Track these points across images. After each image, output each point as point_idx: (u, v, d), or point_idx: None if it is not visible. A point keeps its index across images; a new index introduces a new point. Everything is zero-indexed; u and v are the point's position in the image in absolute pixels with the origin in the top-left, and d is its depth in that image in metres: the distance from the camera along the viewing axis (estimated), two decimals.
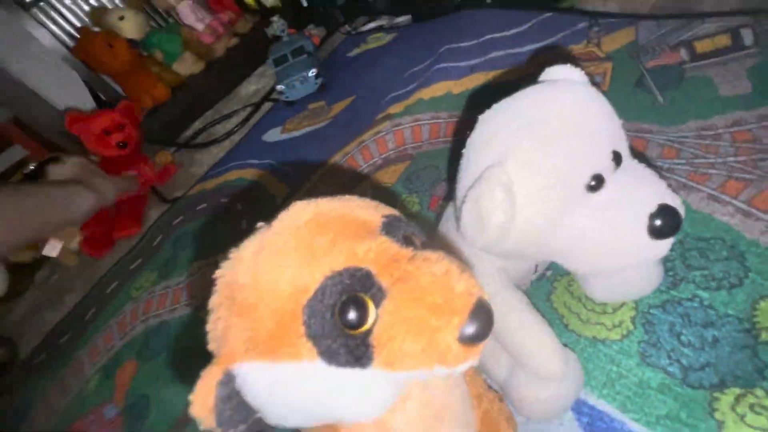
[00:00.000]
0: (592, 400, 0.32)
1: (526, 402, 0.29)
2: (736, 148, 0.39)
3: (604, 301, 0.35)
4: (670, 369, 0.30)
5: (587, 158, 0.24)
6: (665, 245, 0.24)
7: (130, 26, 1.04)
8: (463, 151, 0.28)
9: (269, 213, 0.71)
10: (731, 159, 0.39)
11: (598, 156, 0.24)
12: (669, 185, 0.25)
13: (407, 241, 0.17)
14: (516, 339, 0.28)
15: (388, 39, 0.86)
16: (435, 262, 0.16)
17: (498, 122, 0.26)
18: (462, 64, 0.64)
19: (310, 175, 0.67)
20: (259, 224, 0.18)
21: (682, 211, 0.23)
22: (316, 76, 0.83)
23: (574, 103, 0.25)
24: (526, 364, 0.28)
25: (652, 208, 0.23)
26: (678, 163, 0.41)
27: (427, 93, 0.65)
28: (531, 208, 0.24)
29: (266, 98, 0.95)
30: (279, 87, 0.83)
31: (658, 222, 0.23)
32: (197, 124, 1.07)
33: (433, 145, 0.59)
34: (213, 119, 1.03)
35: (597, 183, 0.24)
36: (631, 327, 0.33)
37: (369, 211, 0.18)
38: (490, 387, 0.32)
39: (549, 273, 0.40)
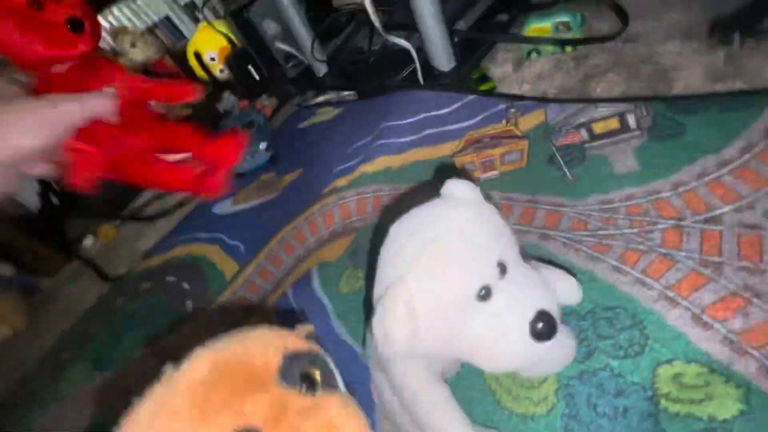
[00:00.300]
0: None
1: None
2: (630, 220, 0.45)
3: (528, 376, 0.37)
4: None
5: (476, 271, 0.28)
6: (548, 345, 0.27)
7: (138, 54, 1.10)
8: (378, 260, 0.31)
9: (216, 291, 0.70)
10: (627, 230, 0.44)
11: (485, 269, 0.28)
12: (548, 289, 0.29)
13: (306, 380, 0.19)
14: None
15: (336, 113, 0.92)
16: (322, 413, 0.17)
17: (402, 236, 0.30)
18: (400, 140, 0.70)
19: (258, 252, 0.68)
20: (167, 367, 0.19)
21: (554, 311, 0.27)
22: (267, 148, 0.86)
23: (466, 221, 0.29)
24: None
25: (531, 314, 0.26)
26: (585, 235, 0.46)
27: (369, 167, 0.69)
28: (431, 322, 0.27)
29: None
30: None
31: (538, 326, 0.26)
32: (146, 195, 1.05)
33: (377, 218, 0.62)
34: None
35: (486, 293, 0.28)
36: (555, 400, 0.36)
37: (268, 352, 0.19)
38: None
39: None
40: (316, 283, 0.57)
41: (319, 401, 0.18)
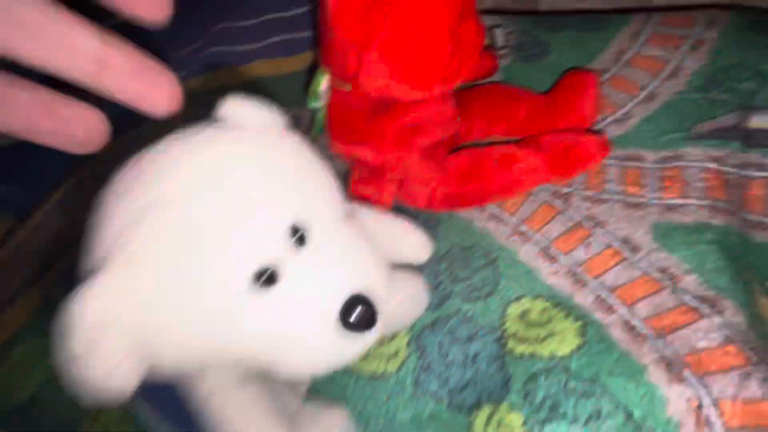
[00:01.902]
0: None
1: None
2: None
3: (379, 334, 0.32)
4: (439, 393, 0.30)
5: (242, 251, 0.18)
6: (369, 336, 0.20)
7: None
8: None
9: None
10: None
11: (265, 241, 0.18)
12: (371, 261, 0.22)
13: None
14: None
15: None
16: None
17: (116, 199, 0.18)
18: (239, 48, 0.54)
19: (44, 197, 0.49)
20: None
21: (377, 293, 0.20)
22: None
23: (218, 166, 0.18)
24: None
25: (341, 301, 0.19)
26: None
27: (197, 82, 0.53)
28: (168, 339, 0.18)
29: None
30: None
31: (352, 316, 0.19)
32: None
33: None
34: None
35: (270, 276, 0.18)
36: (405, 354, 0.32)
37: None
38: None
39: None
40: None
41: None
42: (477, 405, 0.28)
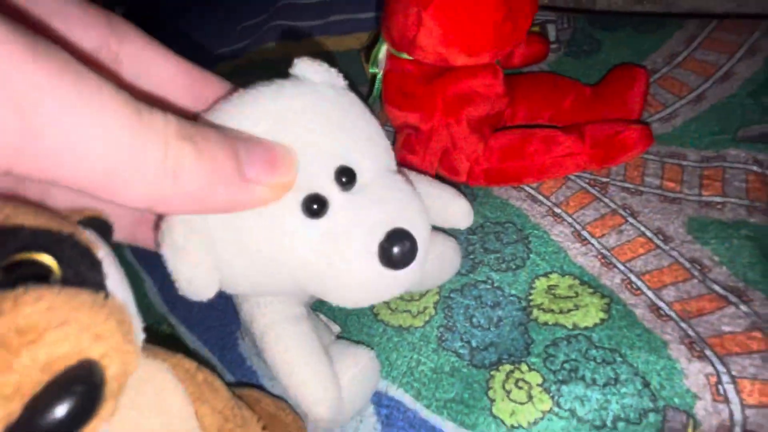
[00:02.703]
0: (392, 391, 0.31)
1: (314, 420, 0.26)
2: None
3: (410, 290, 0.35)
4: (461, 351, 0.32)
5: (300, 174, 0.20)
6: (408, 274, 0.21)
7: None
8: None
9: None
10: None
11: (315, 173, 0.21)
12: (415, 205, 0.23)
13: (7, 272, 0.11)
14: (284, 381, 0.25)
15: None
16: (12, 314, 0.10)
17: None
18: (300, 23, 0.58)
19: None
20: None
21: (419, 233, 0.21)
22: (125, 15, 0.66)
23: (283, 112, 0.21)
24: (296, 404, 0.25)
25: (382, 234, 0.20)
26: None
27: (259, 55, 0.57)
28: (234, 245, 0.20)
29: None
30: None
31: (392, 250, 0.20)
32: None
33: None
34: None
35: (318, 206, 0.20)
36: (433, 312, 0.34)
37: None
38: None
39: None
40: None
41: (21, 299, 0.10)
42: (497, 363, 0.30)
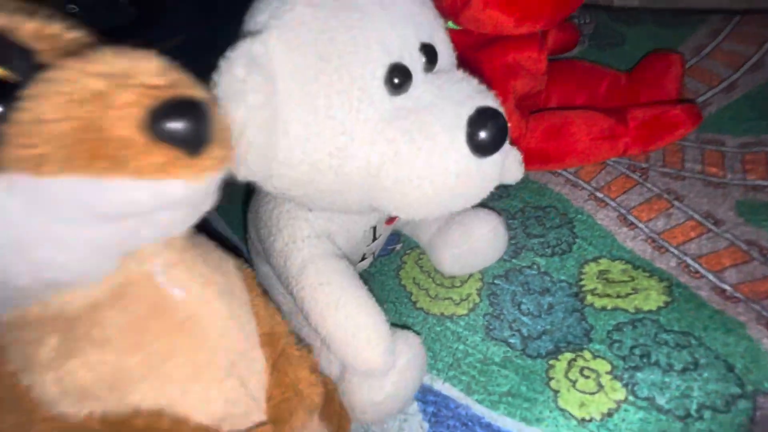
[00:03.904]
0: (438, 385, 0.28)
1: (360, 408, 0.23)
2: None
3: (452, 274, 0.32)
4: (512, 340, 0.29)
5: (385, 42, 0.18)
6: (497, 166, 0.19)
7: None
8: None
9: None
10: None
11: (400, 42, 0.19)
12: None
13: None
14: (328, 322, 0.21)
15: None
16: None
17: None
18: None
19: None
20: None
21: (504, 117, 0.19)
22: (130, 2, 0.62)
23: None
24: (341, 355, 0.21)
25: (470, 111, 0.18)
26: None
27: None
28: (303, 107, 0.18)
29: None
30: (70, 7, 0.60)
31: (481, 133, 0.18)
32: None
33: None
34: None
35: (401, 79, 0.19)
36: (477, 300, 0.31)
37: None
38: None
39: (399, 247, 0.35)
40: None
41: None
42: (555, 352, 0.27)
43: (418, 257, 0.34)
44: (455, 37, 0.33)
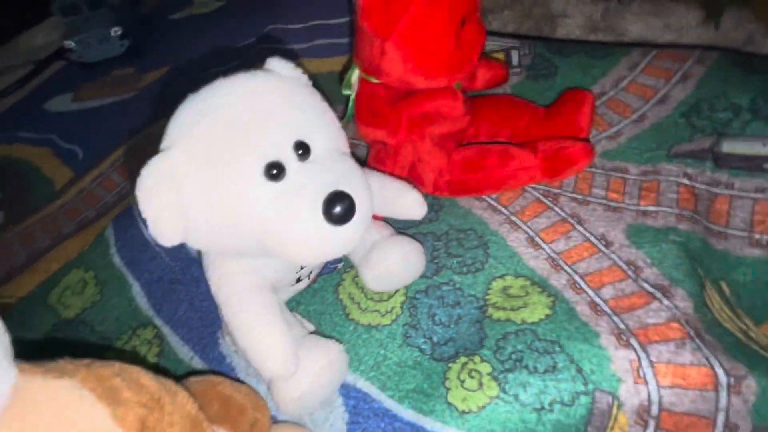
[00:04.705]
0: (360, 383, 0.34)
1: (283, 404, 0.29)
2: None
3: (378, 290, 0.38)
4: (424, 346, 0.35)
5: (264, 146, 0.25)
6: (348, 232, 0.26)
7: None
8: None
9: (40, 202, 0.58)
10: None
11: (274, 144, 0.25)
12: (352, 175, 0.27)
13: None
14: (244, 340, 0.28)
15: (218, 5, 0.78)
16: None
17: (189, 103, 0.26)
18: (287, 47, 0.62)
19: (102, 159, 0.56)
20: None
21: (359, 196, 0.26)
22: (122, 36, 0.70)
23: (253, 92, 0.26)
24: (253, 365, 0.28)
25: (326, 195, 0.25)
26: None
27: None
28: (206, 200, 0.25)
29: (57, 56, 0.77)
30: (67, 43, 0.67)
31: (334, 208, 0.24)
32: None
33: None
34: None
35: (277, 171, 0.25)
36: (400, 312, 0.37)
37: None
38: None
39: (340, 266, 0.41)
40: None
41: None
42: (455, 356, 0.33)
43: (355, 275, 0.40)
44: (377, 88, 0.39)
